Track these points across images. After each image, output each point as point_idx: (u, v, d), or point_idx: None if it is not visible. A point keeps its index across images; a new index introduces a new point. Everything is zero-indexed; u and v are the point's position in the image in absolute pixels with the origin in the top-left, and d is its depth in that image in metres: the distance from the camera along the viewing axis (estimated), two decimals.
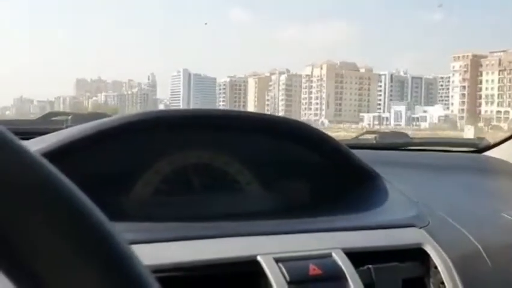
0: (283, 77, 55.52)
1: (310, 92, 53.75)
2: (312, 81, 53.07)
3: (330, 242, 0.64)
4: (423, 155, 1.35)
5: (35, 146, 0.63)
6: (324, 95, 52.07)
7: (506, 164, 1.31)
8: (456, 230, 0.78)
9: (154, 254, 0.55)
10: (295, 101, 55.04)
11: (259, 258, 0.59)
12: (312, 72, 52.93)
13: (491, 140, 1.39)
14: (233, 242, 0.61)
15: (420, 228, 0.73)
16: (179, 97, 69.49)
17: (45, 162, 0.21)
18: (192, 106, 67.62)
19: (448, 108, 47.92)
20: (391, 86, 55.59)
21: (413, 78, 58.66)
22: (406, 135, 1.47)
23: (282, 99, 55.38)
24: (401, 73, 58.89)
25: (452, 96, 47.42)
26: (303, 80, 53.64)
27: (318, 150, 0.80)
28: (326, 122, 50.11)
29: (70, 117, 1.11)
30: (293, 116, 53.28)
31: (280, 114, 55.80)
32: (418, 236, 0.71)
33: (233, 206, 0.77)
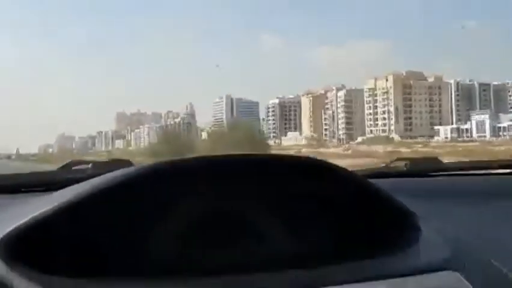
0: (341, 93, 51.07)
1: (375, 107, 48.83)
2: (376, 95, 48.04)
3: None
4: (458, 180, 1.32)
5: (56, 200, 0.66)
6: (391, 109, 46.86)
7: None
8: (498, 273, 0.74)
9: None
10: (358, 117, 50.02)
11: None
12: (375, 85, 47.96)
13: None
14: None
15: (457, 271, 0.69)
16: (222, 123, 65.09)
17: None
18: (236, 131, 63.33)
19: None
20: (457, 94, 50.13)
21: (480, 84, 53.03)
22: (438, 160, 1.40)
23: (342, 117, 50.45)
24: (467, 81, 53.38)
25: None
26: (366, 94, 48.61)
27: (341, 188, 0.77)
28: (397, 137, 44.88)
29: (90, 166, 1.16)
30: (358, 133, 48.35)
31: (341, 132, 51.00)
32: (454, 281, 0.68)
33: (258, 254, 0.74)
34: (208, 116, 67.60)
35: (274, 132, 60.71)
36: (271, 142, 53.66)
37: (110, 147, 70.21)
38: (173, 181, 0.70)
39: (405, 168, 1.30)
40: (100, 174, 0.74)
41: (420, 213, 0.79)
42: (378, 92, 49.65)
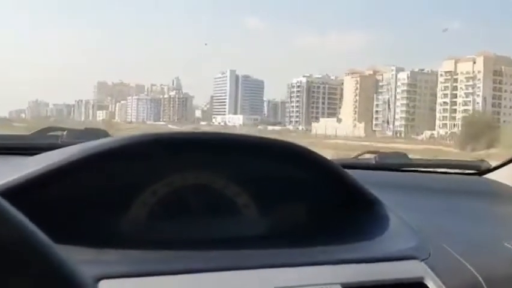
0: (403, 75, 40.95)
1: (454, 95, 39.01)
2: (456, 80, 38.38)
3: (328, 276, 0.66)
4: (423, 176, 1.46)
5: (32, 166, 0.67)
6: (478, 99, 37.37)
7: (507, 187, 1.38)
8: (457, 261, 0.79)
9: None
10: (422, 106, 40.20)
11: None
12: (455, 68, 38.32)
13: (493, 163, 1.51)
14: (228, 276, 0.63)
15: (421, 260, 0.73)
16: (224, 101, 52.03)
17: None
18: (239, 112, 51.99)
19: None
20: None
21: None
22: (406, 156, 1.55)
23: (402, 104, 40.46)
24: None
25: None
26: (441, 79, 38.83)
27: (316, 173, 0.81)
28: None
29: (65, 133, 1.19)
30: (423, 126, 39.00)
31: (399, 123, 41.46)
32: (419, 269, 0.72)
33: (229, 230, 0.78)
34: (198, 92, 56.77)
35: (297, 117, 50.08)
36: (291, 128, 42.96)
37: (90, 118, 57.22)
38: (153, 154, 0.72)
39: (374, 162, 1.38)
40: (75, 143, 0.75)
41: (387, 204, 0.85)
42: (460, 76, 40.46)
